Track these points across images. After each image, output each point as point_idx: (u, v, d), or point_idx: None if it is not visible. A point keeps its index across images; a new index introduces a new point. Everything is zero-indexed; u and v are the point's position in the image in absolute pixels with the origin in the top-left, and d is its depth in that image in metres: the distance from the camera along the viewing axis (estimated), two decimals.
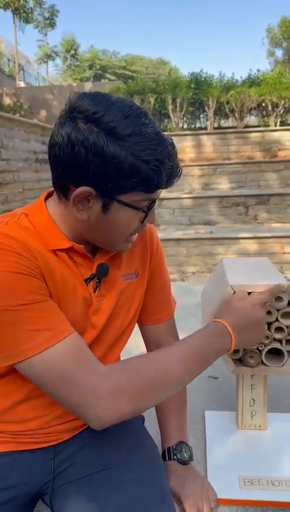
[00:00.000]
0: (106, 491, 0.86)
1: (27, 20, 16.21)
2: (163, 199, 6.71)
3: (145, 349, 1.14)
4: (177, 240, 5.64)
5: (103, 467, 0.90)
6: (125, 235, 0.86)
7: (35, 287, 0.78)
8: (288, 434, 1.16)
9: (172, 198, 6.71)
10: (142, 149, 0.75)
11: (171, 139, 0.82)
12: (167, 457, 1.01)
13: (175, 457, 1.00)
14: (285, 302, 0.99)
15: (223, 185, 7.48)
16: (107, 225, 0.83)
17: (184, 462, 1.00)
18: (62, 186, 0.81)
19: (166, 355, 0.85)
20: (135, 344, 1.15)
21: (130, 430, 1.00)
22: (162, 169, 0.77)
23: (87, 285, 0.89)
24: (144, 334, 1.12)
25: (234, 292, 0.98)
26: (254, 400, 1.16)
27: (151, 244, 1.04)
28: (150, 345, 1.12)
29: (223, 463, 1.06)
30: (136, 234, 0.90)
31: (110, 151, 0.74)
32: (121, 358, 1.10)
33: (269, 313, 1.00)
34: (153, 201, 0.84)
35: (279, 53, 24.52)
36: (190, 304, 2.24)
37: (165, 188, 0.83)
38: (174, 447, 1.01)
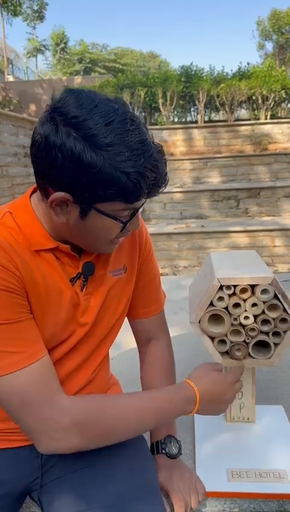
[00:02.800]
0: (94, 486, 0.85)
1: (15, 13, 15.98)
2: None
3: (136, 344, 1.14)
4: (169, 234, 5.64)
5: (91, 462, 0.90)
6: (106, 241, 0.84)
7: (12, 304, 0.77)
8: (276, 426, 1.16)
9: (163, 193, 6.65)
10: (122, 160, 0.71)
11: (161, 146, 0.77)
12: (155, 451, 1.01)
13: (163, 451, 1.00)
14: (271, 294, 0.98)
15: (214, 179, 7.48)
16: (86, 231, 0.80)
17: (173, 456, 1.00)
18: (42, 186, 0.79)
19: (129, 404, 0.85)
20: (126, 339, 1.14)
21: None
22: (142, 181, 0.73)
23: (73, 284, 0.88)
24: (134, 329, 1.12)
25: (220, 284, 0.98)
26: (242, 392, 1.16)
27: (140, 238, 1.02)
28: (140, 338, 1.12)
29: (211, 456, 1.06)
30: (122, 238, 0.87)
31: (87, 160, 0.70)
32: (110, 355, 1.09)
33: (255, 305, 0.99)
34: (136, 210, 0.81)
35: (269, 46, 24.55)
36: (180, 298, 2.24)
37: (148, 198, 0.79)
38: (162, 441, 1.01)
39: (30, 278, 0.80)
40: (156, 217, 6.59)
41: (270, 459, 1.03)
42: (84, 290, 0.89)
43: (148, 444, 1.02)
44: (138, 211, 0.81)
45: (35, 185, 0.87)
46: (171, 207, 6.62)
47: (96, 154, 0.70)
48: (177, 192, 6.68)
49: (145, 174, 0.73)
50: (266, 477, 0.98)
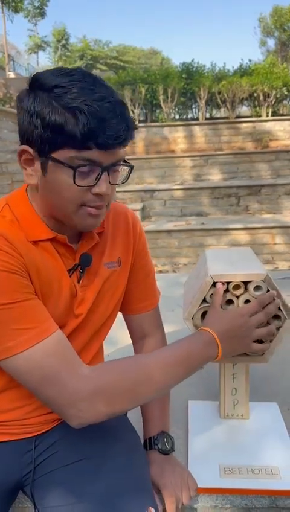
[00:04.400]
0: (85, 481, 0.86)
1: (16, 10, 15.95)
2: (154, 191, 6.70)
3: (131, 340, 1.14)
4: (169, 232, 5.64)
5: (83, 457, 0.90)
6: (73, 202, 0.80)
7: (19, 285, 0.78)
8: (270, 423, 1.17)
9: (163, 190, 6.70)
10: (70, 98, 0.73)
11: (123, 103, 0.78)
12: (148, 447, 1.01)
13: (156, 447, 1.00)
14: (264, 291, 0.98)
15: (215, 176, 7.47)
16: (50, 189, 0.80)
17: (165, 452, 1.00)
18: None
19: (150, 361, 0.85)
20: (122, 336, 1.14)
21: (111, 420, 0.99)
22: (87, 120, 0.72)
23: (70, 275, 0.89)
24: (129, 324, 1.12)
25: (213, 281, 0.98)
26: (236, 389, 1.16)
27: (134, 232, 1.03)
28: (135, 334, 1.12)
29: (204, 452, 1.06)
30: (101, 210, 0.83)
31: (35, 106, 0.76)
32: (106, 351, 1.10)
33: (248, 302, 0.99)
34: (92, 163, 0.77)
35: (271, 43, 24.47)
36: (177, 295, 2.24)
37: (102, 149, 0.75)
38: (155, 437, 1.01)
39: (33, 265, 0.82)
40: (156, 214, 6.60)
41: (262, 456, 1.03)
42: (81, 281, 0.90)
43: (142, 440, 1.03)
44: (95, 164, 0.77)
45: None
46: (171, 204, 6.62)
47: (48, 97, 0.75)
48: (177, 189, 6.67)
49: (93, 112, 0.72)
50: (258, 473, 0.98)
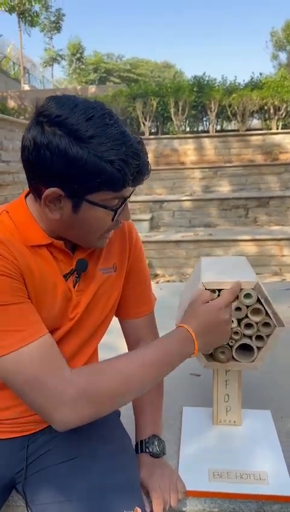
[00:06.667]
0: (74, 479, 0.88)
1: (32, 24, 16.32)
2: (163, 201, 6.75)
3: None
4: (177, 242, 5.66)
5: (74, 456, 0.93)
6: (98, 233, 0.89)
7: (11, 288, 0.81)
8: (261, 430, 1.18)
9: (172, 201, 6.74)
10: (106, 150, 0.77)
11: (140, 138, 0.84)
12: (139, 449, 1.03)
13: (147, 450, 1.02)
14: (254, 299, 1.01)
15: (224, 188, 7.50)
16: (80, 224, 0.85)
17: (156, 455, 1.02)
18: (34, 188, 0.85)
19: (129, 361, 0.88)
20: (121, 343, 1.17)
21: (103, 422, 1.02)
22: (126, 168, 0.79)
23: (66, 280, 0.92)
24: (124, 329, 1.15)
25: (205, 288, 1.01)
26: (228, 395, 1.18)
27: (130, 239, 1.06)
28: (130, 340, 1.15)
29: (194, 457, 1.08)
30: (112, 231, 0.93)
31: (73, 153, 0.77)
32: (105, 354, 1.12)
33: (238, 309, 1.02)
34: (125, 199, 0.86)
35: (283, 56, 24.55)
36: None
37: (134, 186, 0.85)
38: (146, 440, 1.03)
39: (27, 268, 0.85)
40: (165, 225, 6.63)
41: (252, 461, 1.05)
42: (76, 286, 0.94)
43: (133, 443, 1.05)
44: (126, 199, 0.86)
45: (28, 189, 0.92)
46: (180, 215, 6.66)
47: (81, 148, 0.77)
48: (186, 200, 6.71)
49: (128, 161, 0.79)
50: (246, 478, 1.00)
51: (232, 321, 1.02)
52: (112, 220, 0.86)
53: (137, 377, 0.86)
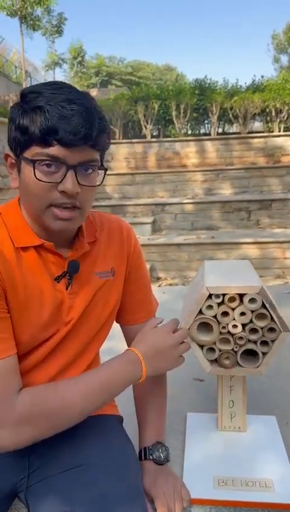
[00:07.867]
0: (78, 489, 0.87)
1: (34, 28, 16.36)
2: (165, 204, 6.74)
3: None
4: (179, 245, 5.65)
5: (77, 465, 0.91)
6: (40, 199, 0.83)
7: None
8: (266, 436, 1.16)
9: (174, 204, 6.73)
10: (37, 103, 0.79)
11: (95, 109, 0.81)
12: (143, 457, 1.02)
13: (151, 457, 1.01)
14: (259, 304, 0.99)
15: (226, 190, 7.49)
16: (25, 188, 0.84)
17: (160, 463, 1.01)
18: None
19: (72, 387, 0.87)
20: (124, 348, 1.17)
21: (106, 429, 1.01)
22: (45, 116, 0.78)
23: (58, 282, 0.91)
24: (125, 335, 1.14)
25: (208, 292, 1.00)
26: (233, 401, 1.17)
27: (128, 243, 1.05)
28: (131, 345, 1.14)
29: (199, 464, 1.07)
30: (64, 209, 0.83)
31: (15, 111, 0.82)
32: (101, 358, 1.11)
33: (243, 314, 1.01)
34: (55, 160, 0.80)
35: (284, 59, 24.59)
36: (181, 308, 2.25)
37: (64, 145, 0.78)
38: (150, 447, 1.02)
39: (10, 277, 0.84)
40: (167, 228, 6.62)
41: (257, 469, 1.03)
42: (69, 288, 0.93)
43: (137, 450, 1.04)
44: (60, 162, 0.80)
45: None
46: (182, 218, 6.64)
47: (21, 102, 0.82)
48: (188, 203, 6.70)
49: (52, 110, 0.77)
50: (252, 486, 0.98)
51: (237, 326, 1.01)
52: (34, 175, 0.80)
53: (79, 403, 0.85)
